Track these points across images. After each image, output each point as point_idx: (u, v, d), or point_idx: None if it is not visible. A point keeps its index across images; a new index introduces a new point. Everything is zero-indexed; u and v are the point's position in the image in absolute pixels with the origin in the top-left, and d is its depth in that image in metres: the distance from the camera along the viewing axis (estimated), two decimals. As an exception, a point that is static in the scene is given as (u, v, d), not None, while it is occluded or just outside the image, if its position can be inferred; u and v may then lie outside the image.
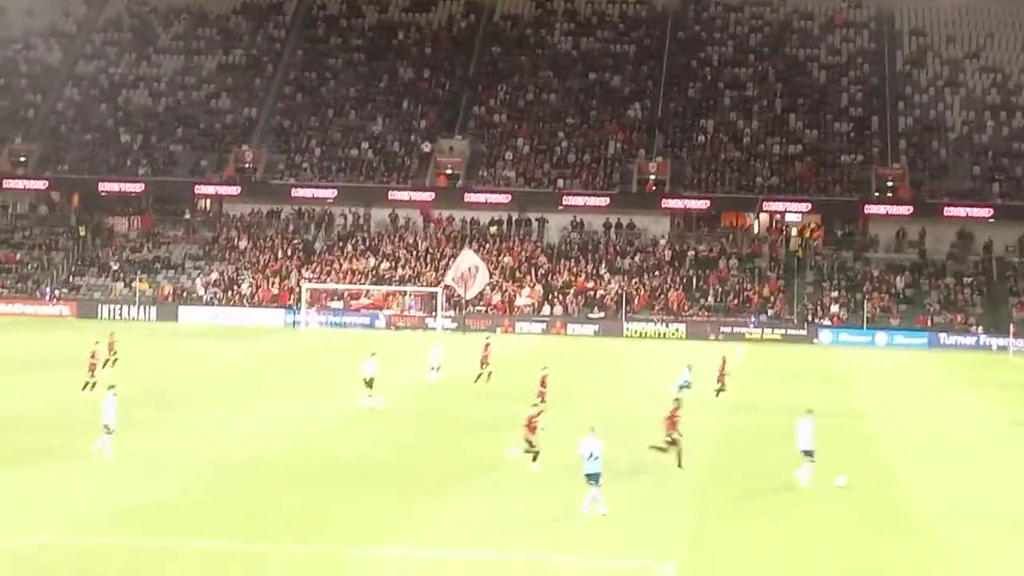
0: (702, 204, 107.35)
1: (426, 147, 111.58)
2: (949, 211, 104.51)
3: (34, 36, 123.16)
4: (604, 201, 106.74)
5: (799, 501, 38.88)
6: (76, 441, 43.42)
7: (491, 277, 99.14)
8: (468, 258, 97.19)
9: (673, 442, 42.32)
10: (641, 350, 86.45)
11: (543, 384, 53.12)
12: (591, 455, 35.48)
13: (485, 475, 41.57)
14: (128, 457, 42.40)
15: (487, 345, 64.00)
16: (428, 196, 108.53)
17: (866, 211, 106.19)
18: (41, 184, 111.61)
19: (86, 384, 54.32)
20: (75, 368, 59.19)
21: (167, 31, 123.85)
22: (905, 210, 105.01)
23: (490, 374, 62.41)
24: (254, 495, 37.79)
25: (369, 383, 54.02)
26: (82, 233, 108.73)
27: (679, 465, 41.95)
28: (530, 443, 41.55)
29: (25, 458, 41.72)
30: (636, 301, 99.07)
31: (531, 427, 41.62)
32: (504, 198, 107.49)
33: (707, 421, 53.14)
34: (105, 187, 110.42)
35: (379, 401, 53.77)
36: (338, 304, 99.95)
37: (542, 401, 49.36)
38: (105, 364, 60.39)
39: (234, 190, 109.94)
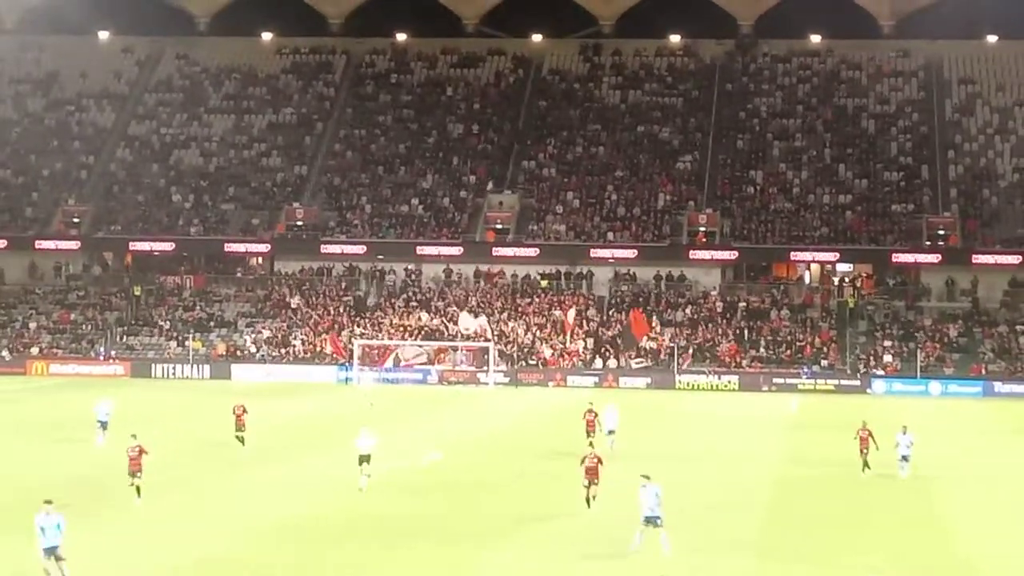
0: (751, 255, 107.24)
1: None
2: (1001, 259, 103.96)
3: (87, 98, 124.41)
4: (654, 253, 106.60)
5: (856, 553, 38.65)
6: (125, 499, 43.64)
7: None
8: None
9: None
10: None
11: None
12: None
13: (536, 527, 41.56)
14: (178, 514, 42.64)
15: (590, 411, 59.47)
16: (477, 251, 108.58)
17: (917, 260, 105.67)
18: (95, 245, 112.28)
19: (135, 486, 45.29)
20: (132, 427, 59.54)
21: (217, 91, 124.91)
22: (956, 258, 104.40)
23: (591, 444, 54.94)
24: (304, 551, 37.90)
25: (365, 459, 47.96)
26: (136, 293, 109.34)
27: None
28: None
29: (76, 517, 41.91)
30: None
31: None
32: (554, 251, 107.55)
33: (760, 472, 53.00)
34: (157, 246, 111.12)
35: (364, 481, 47.70)
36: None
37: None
38: (242, 442, 58.33)
39: (285, 247, 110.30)
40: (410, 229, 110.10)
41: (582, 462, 43.65)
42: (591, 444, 53.04)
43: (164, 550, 37.67)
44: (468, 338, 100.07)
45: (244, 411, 59.09)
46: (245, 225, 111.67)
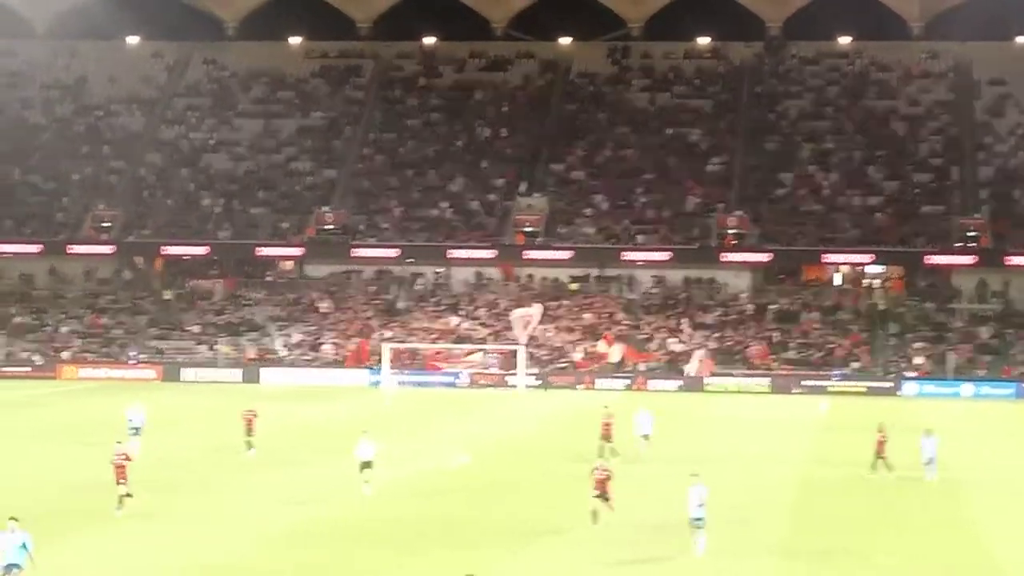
0: (783, 258, 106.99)
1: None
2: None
3: (116, 103, 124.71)
4: (685, 256, 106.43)
5: (881, 554, 38.52)
6: (147, 502, 43.74)
7: (544, 313, 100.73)
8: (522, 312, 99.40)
9: None
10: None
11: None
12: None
13: (562, 532, 41.50)
14: (201, 517, 42.68)
15: (608, 415, 57.99)
16: (508, 254, 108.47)
17: (947, 262, 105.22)
18: (127, 249, 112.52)
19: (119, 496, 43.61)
20: (160, 431, 59.78)
21: (246, 95, 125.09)
22: (988, 259, 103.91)
23: (612, 450, 55.50)
24: (327, 554, 37.89)
25: (367, 466, 47.74)
26: (167, 297, 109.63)
27: None
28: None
29: (99, 518, 42.05)
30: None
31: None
32: (584, 254, 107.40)
33: (787, 474, 52.85)
34: (189, 251, 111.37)
35: (368, 489, 47.50)
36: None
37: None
38: (250, 446, 57.52)
39: (315, 251, 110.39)
40: (439, 232, 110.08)
41: (592, 473, 41.83)
42: (600, 453, 52.66)
43: (174, 554, 37.67)
44: (526, 321, 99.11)
45: (255, 415, 58.48)
46: (275, 229, 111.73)
